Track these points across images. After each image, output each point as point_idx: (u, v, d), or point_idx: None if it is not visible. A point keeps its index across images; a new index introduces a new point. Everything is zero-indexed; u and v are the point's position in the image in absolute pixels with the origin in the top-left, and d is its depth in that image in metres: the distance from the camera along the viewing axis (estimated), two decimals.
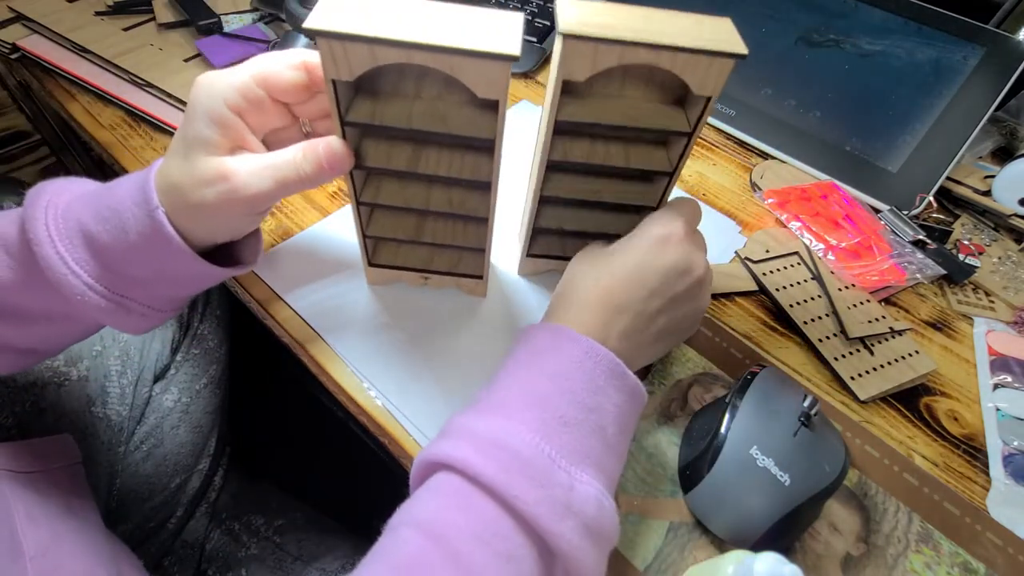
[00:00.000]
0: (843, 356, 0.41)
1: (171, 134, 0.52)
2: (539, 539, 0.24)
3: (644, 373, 0.39)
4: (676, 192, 0.53)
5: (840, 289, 0.46)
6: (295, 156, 0.29)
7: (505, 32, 0.26)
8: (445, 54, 0.25)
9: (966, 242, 0.52)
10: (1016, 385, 0.41)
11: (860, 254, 0.48)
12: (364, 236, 0.37)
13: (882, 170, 0.54)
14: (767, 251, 0.48)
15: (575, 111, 0.31)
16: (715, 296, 0.45)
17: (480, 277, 0.40)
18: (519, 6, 0.70)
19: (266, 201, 0.30)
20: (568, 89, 0.29)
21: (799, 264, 0.47)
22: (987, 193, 0.55)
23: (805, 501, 0.31)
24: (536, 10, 0.69)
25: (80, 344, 0.44)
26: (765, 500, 0.31)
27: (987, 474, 0.37)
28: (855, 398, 0.39)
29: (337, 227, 0.46)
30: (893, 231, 0.50)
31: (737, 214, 0.52)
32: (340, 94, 0.28)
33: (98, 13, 0.60)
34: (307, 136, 0.34)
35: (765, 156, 0.59)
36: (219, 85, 0.28)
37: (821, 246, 0.48)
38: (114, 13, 0.60)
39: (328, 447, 0.82)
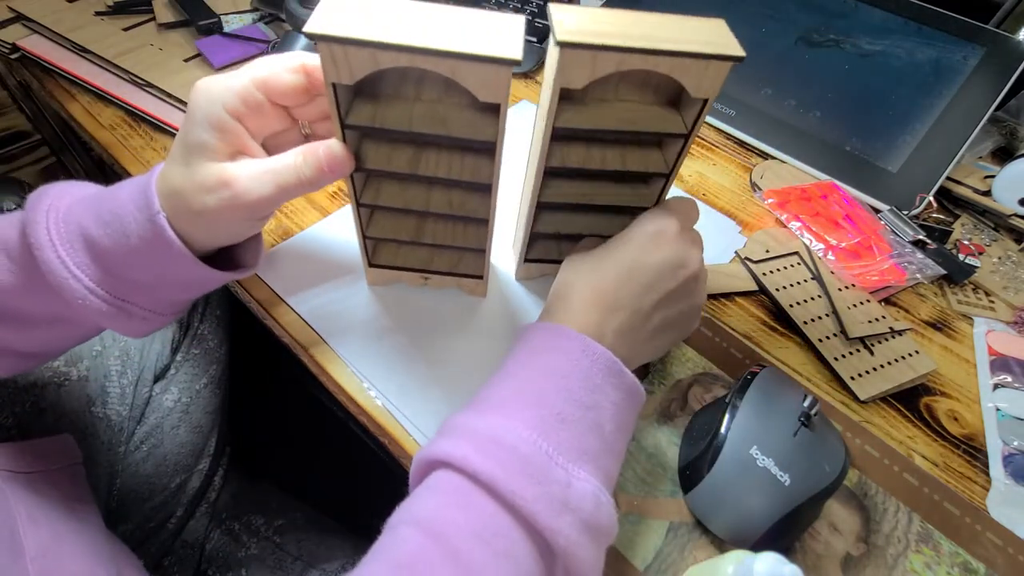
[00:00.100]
0: (843, 356, 0.41)
1: (171, 134, 0.52)
2: (538, 536, 0.24)
3: (644, 373, 0.39)
4: (675, 192, 0.53)
5: (840, 289, 0.46)
6: (295, 160, 0.29)
7: (506, 35, 0.26)
8: (446, 58, 0.25)
9: (966, 242, 0.52)
10: (1016, 385, 0.41)
11: (860, 254, 0.48)
12: (364, 237, 0.37)
13: (882, 170, 0.54)
14: (767, 251, 0.48)
15: (572, 118, 0.31)
16: (715, 296, 0.45)
17: (480, 277, 0.40)
18: (519, 6, 0.70)
19: (268, 206, 0.30)
20: (565, 96, 0.29)
21: (799, 264, 0.47)
22: (987, 193, 0.55)
23: (805, 501, 0.31)
24: (536, 10, 0.69)
25: (80, 344, 0.44)
26: (765, 500, 0.31)
27: (987, 474, 0.37)
28: (855, 398, 0.39)
29: (337, 227, 0.46)
30: (893, 231, 0.50)
31: (737, 214, 0.52)
32: (340, 97, 0.28)
33: (98, 13, 0.60)
34: (307, 138, 0.34)
35: (765, 156, 0.59)
36: (218, 90, 0.28)
37: (821, 246, 0.48)
38: (114, 13, 0.60)
39: (328, 447, 0.82)
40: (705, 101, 0.29)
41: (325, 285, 0.42)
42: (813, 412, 0.33)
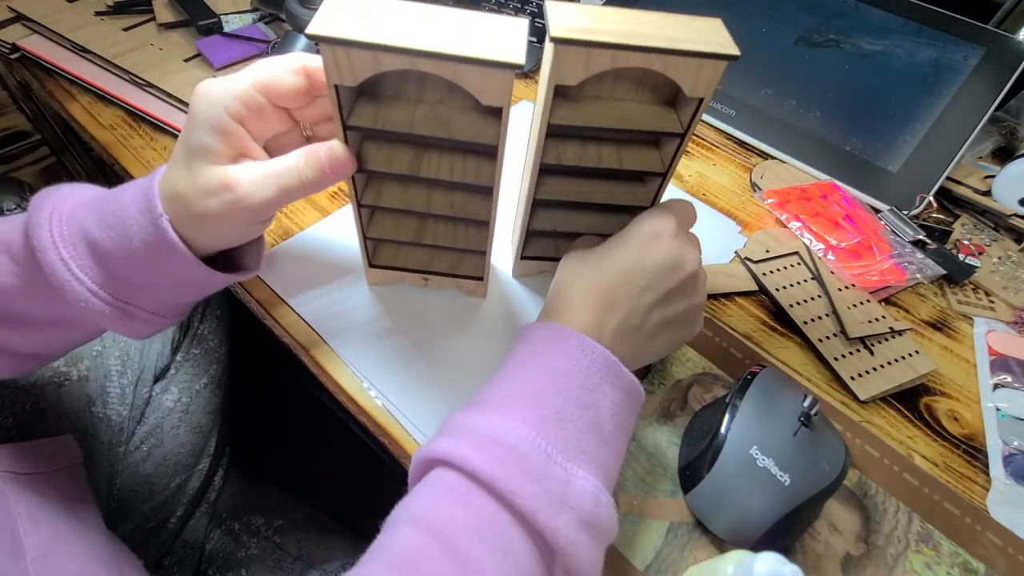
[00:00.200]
0: (843, 356, 0.41)
1: (171, 134, 0.52)
2: (537, 534, 0.24)
3: (644, 373, 0.39)
4: (676, 192, 0.54)
5: (840, 289, 0.46)
6: (297, 162, 0.29)
7: (509, 39, 0.26)
8: (449, 62, 0.25)
9: (966, 242, 0.52)
10: (1016, 385, 0.41)
11: (860, 254, 0.48)
12: (365, 238, 0.37)
13: (882, 170, 0.54)
14: (767, 251, 0.48)
15: (567, 114, 0.31)
16: (715, 296, 0.45)
17: (480, 279, 0.40)
18: (519, 6, 0.70)
19: (270, 209, 0.30)
20: (560, 92, 0.29)
21: (799, 264, 0.47)
22: (987, 193, 0.55)
23: (805, 501, 0.31)
24: (536, 10, 0.69)
25: (82, 346, 0.44)
26: (765, 500, 0.31)
27: (987, 474, 0.37)
28: (855, 398, 0.39)
29: (337, 227, 0.46)
30: (893, 231, 0.50)
31: (737, 214, 0.52)
32: (342, 98, 0.28)
33: (98, 13, 0.60)
34: (308, 140, 0.33)
35: (765, 156, 0.59)
36: (219, 93, 0.28)
37: (821, 246, 0.48)
38: (114, 13, 0.60)
39: (328, 447, 0.82)
40: (701, 100, 0.29)
41: (325, 286, 0.42)
42: (813, 412, 0.33)
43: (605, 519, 0.25)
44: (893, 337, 0.43)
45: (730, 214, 0.52)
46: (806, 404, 0.33)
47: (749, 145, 0.59)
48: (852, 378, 0.40)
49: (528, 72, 0.65)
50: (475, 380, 0.37)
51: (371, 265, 0.40)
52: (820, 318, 0.43)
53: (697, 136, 0.60)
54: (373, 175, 0.34)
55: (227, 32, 0.60)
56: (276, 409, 0.83)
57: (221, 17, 0.59)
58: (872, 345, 0.42)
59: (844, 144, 0.55)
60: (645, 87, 0.32)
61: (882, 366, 0.41)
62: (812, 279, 0.46)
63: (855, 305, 0.44)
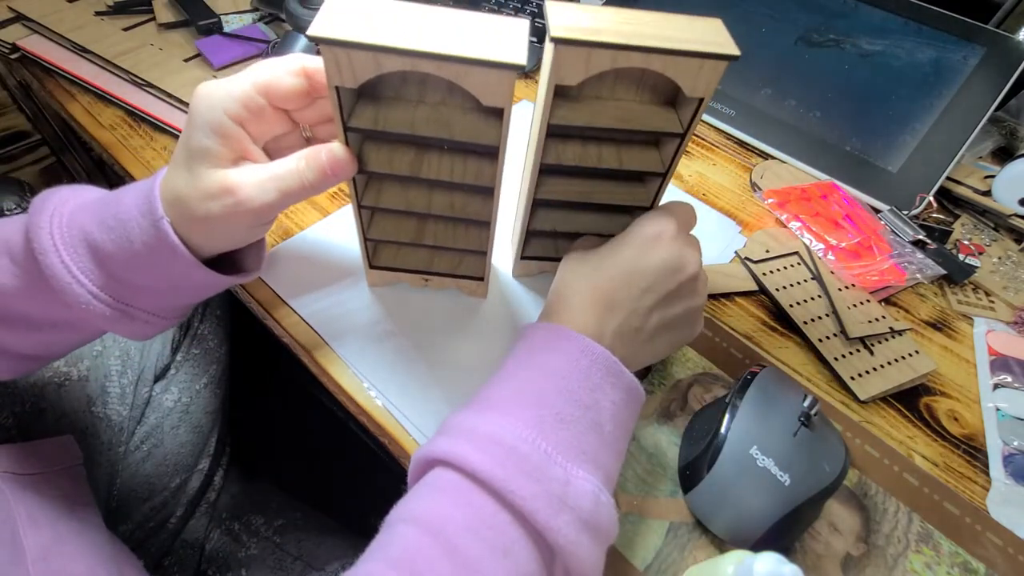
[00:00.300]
0: (843, 356, 0.41)
1: (171, 134, 0.52)
2: (536, 534, 0.24)
3: (644, 373, 0.39)
4: (676, 192, 0.54)
5: (840, 289, 0.46)
6: (298, 165, 0.29)
7: (510, 39, 0.26)
8: (450, 63, 0.25)
9: (966, 242, 0.52)
10: (1016, 385, 0.41)
11: (860, 254, 0.48)
12: (365, 239, 0.37)
13: (882, 170, 0.54)
14: (767, 251, 0.48)
15: (567, 114, 0.31)
16: (715, 296, 0.45)
17: (481, 279, 0.40)
18: (518, 6, 0.70)
19: (271, 212, 0.30)
20: (560, 92, 0.29)
21: (799, 264, 0.47)
22: (987, 193, 0.55)
23: (805, 501, 0.31)
24: (536, 10, 0.69)
25: (82, 347, 0.44)
26: (765, 500, 0.31)
27: (987, 474, 0.37)
28: (855, 398, 0.39)
29: (337, 227, 0.46)
30: (893, 231, 0.50)
31: (737, 214, 0.52)
32: (342, 100, 0.28)
33: (98, 13, 0.60)
34: (308, 141, 0.33)
35: (765, 156, 0.59)
36: (219, 95, 0.28)
37: (821, 246, 0.48)
38: (114, 13, 0.60)
39: (328, 447, 0.82)
40: (701, 100, 0.29)
41: (326, 287, 0.42)
42: (813, 412, 0.33)
43: (605, 519, 0.25)
44: (893, 337, 0.43)
45: (730, 214, 0.52)
46: (806, 404, 0.33)
47: (749, 145, 0.59)
48: (852, 378, 0.40)
49: (528, 72, 0.65)
50: (476, 380, 0.37)
51: (371, 266, 0.40)
52: (820, 318, 0.43)
53: (697, 136, 0.60)
54: (373, 176, 0.34)
55: (227, 32, 0.60)
56: (276, 409, 0.83)
57: (221, 17, 0.59)
58: (872, 345, 0.42)
59: (844, 144, 0.55)
60: (645, 87, 0.32)
61: (882, 366, 0.41)
62: (812, 279, 0.46)
63: (855, 305, 0.44)
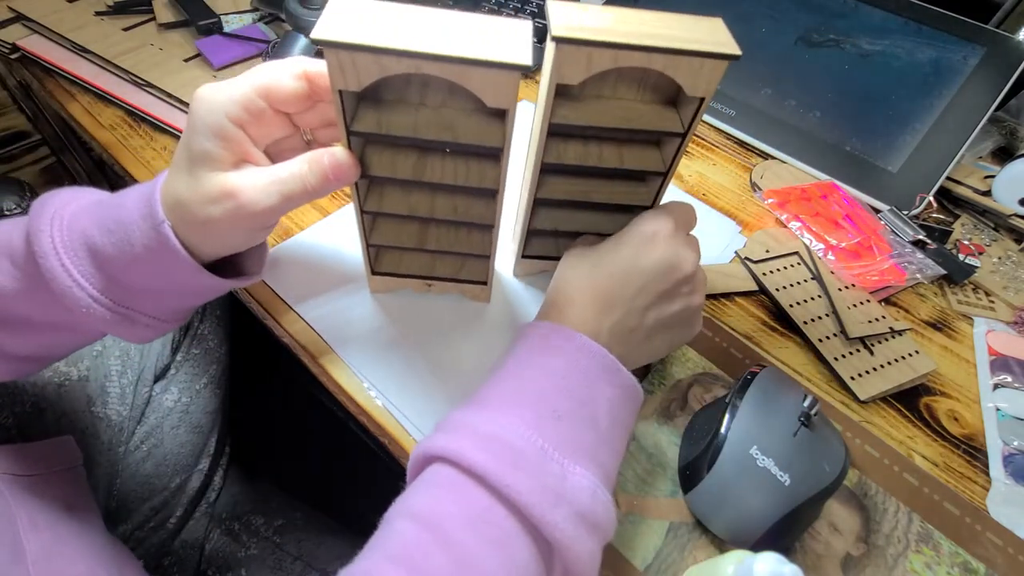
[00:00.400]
0: (843, 356, 0.41)
1: (171, 134, 0.52)
2: (533, 528, 0.24)
3: (644, 373, 0.39)
4: (676, 192, 0.54)
5: (840, 289, 0.46)
6: (300, 169, 0.29)
7: (514, 41, 0.26)
8: (455, 64, 0.25)
9: (966, 242, 0.52)
10: (1016, 385, 0.41)
11: (860, 254, 0.48)
12: (368, 244, 0.37)
13: (882, 170, 0.54)
14: (767, 251, 0.48)
15: (568, 114, 0.31)
16: (715, 296, 0.45)
17: (484, 283, 0.40)
18: (519, 6, 0.70)
19: (273, 216, 0.29)
20: (561, 92, 0.29)
21: (799, 264, 0.47)
22: (987, 193, 0.55)
23: (805, 501, 0.31)
24: (536, 10, 0.69)
25: (82, 349, 0.44)
26: (765, 500, 0.31)
27: (987, 474, 0.37)
28: (855, 398, 0.39)
29: (338, 228, 0.46)
30: (893, 231, 0.50)
31: (737, 214, 0.52)
32: (345, 103, 0.28)
33: (98, 13, 0.60)
34: (308, 144, 0.33)
35: (765, 156, 0.59)
36: (219, 98, 0.28)
37: (821, 246, 0.48)
38: (114, 13, 0.60)
39: (328, 447, 0.82)
40: (702, 100, 0.29)
41: (327, 288, 0.41)
42: (813, 412, 0.33)
43: (602, 514, 0.25)
44: (893, 337, 0.43)
45: (730, 214, 0.52)
46: (806, 404, 0.33)
47: (749, 145, 0.59)
48: (852, 378, 0.40)
49: (527, 73, 0.65)
50: (478, 382, 0.37)
51: (374, 272, 0.40)
52: (820, 318, 0.43)
53: (697, 136, 0.60)
54: (375, 180, 0.34)
55: (227, 32, 0.60)
56: (276, 409, 0.83)
57: (221, 17, 0.59)
58: (872, 345, 0.42)
59: (844, 144, 0.55)
60: (646, 87, 0.32)
61: (882, 366, 0.41)
62: (812, 279, 0.46)
63: (855, 305, 0.44)
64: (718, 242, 0.49)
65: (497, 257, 0.44)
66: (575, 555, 0.24)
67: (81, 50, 0.55)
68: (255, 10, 0.62)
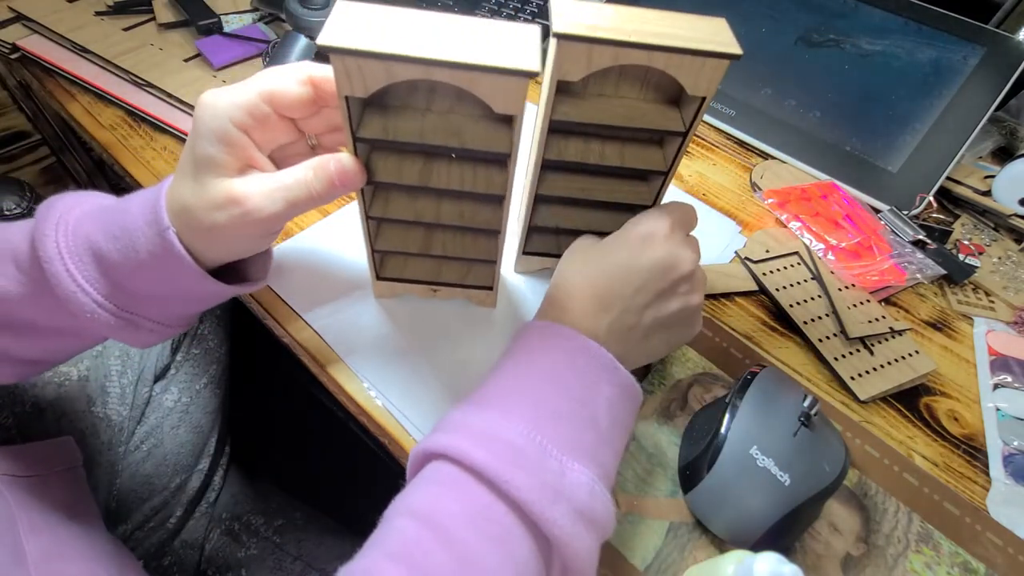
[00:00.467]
0: (843, 356, 0.41)
1: (171, 134, 0.52)
2: (532, 525, 0.24)
3: (644, 373, 0.39)
4: (676, 192, 0.54)
5: (840, 289, 0.46)
6: (306, 175, 0.29)
7: (522, 46, 0.25)
8: (465, 70, 0.25)
9: (966, 242, 0.52)
10: (1016, 385, 0.41)
11: (860, 254, 0.48)
12: (373, 250, 0.37)
13: (882, 170, 0.54)
14: (767, 251, 0.48)
15: (569, 111, 0.31)
16: (715, 296, 0.45)
17: (490, 288, 0.40)
18: (519, 6, 0.70)
19: (279, 222, 0.29)
20: (562, 89, 0.29)
21: (799, 264, 0.47)
22: (987, 193, 0.55)
23: (805, 501, 0.31)
24: (536, 10, 0.69)
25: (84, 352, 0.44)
26: (765, 500, 0.31)
27: (987, 474, 0.37)
28: (855, 398, 0.39)
29: (339, 228, 0.46)
30: (893, 231, 0.50)
31: (737, 214, 0.52)
32: (351, 110, 0.28)
33: (98, 13, 0.60)
34: (313, 150, 0.33)
35: (765, 156, 0.59)
36: (223, 103, 0.28)
37: (821, 246, 0.48)
38: (114, 13, 0.60)
39: (328, 447, 0.82)
40: (703, 99, 0.29)
41: (329, 291, 0.41)
42: (813, 412, 0.33)
43: (601, 511, 0.25)
44: (893, 337, 0.43)
45: (730, 214, 0.52)
46: (806, 404, 0.33)
47: (749, 145, 0.59)
48: (852, 378, 0.40)
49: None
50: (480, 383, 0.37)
51: (379, 278, 0.39)
52: (820, 318, 0.43)
53: (697, 136, 0.60)
54: (380, 186, 0.34)
55: (227, 32, 0.60)
56: (276, 409, 0.83)
57: (221, 17, 0.59)
58: (872, 345, 0.42)
59: (844, 144, 0.55)
60: (648, 85, 0.32)
61: (882, 366, 0.41)
62: (812, 279, 0.46)
63: (855, 305, 0.44)
64: (718, 242, 0.49)
65: (504, 259, 0.44)
66: (573, 551, 0.24)
67: (81, 50, 0.55)
68: (255, 10, 0.62)
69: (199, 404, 0.53)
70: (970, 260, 0.49)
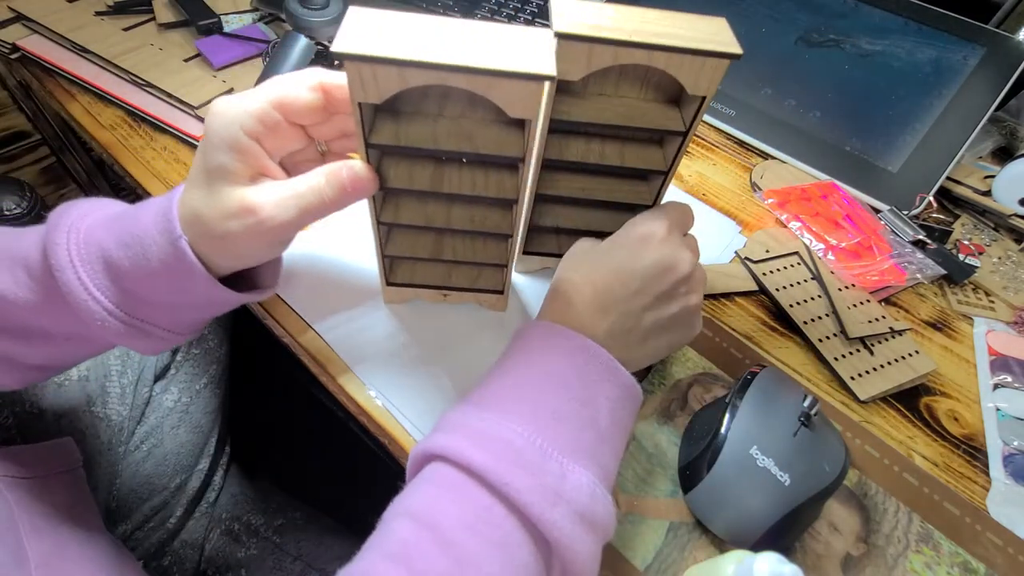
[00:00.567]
0: (843, 356, 0.41)
1: (171, 134, 0.52)
2: (532, 527, 0.24)
3: (644, 373, 0.39)
4: (676, 192, 0.53)
5: (840, 289, 0.46)
6: (318, 182, 0.29)
7: (536, 50, 0.25)
8: (480, 76, 0.25)
9: (966, 242, 0.52)
10: (1016, 385, 0.41)
11: (860, 254, 0.48)
12: (383, 256, 0.36)
13: (882, 170, 0.54)
14: (767, 251, 0.48)
15: (570, 110, 0.31)
16: (715, 296, 0.45)
17: (500, 292, 0.40)
18: (519, 6, 0.70)
19: (291, 230, 0.29)
20: (563, 88, 0.29)
21: (799, 264, 0.47)
22: (987, 193, 0.55)
23: (805, 501, 0.31)
24: (536, 10, 0.69)
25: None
26: (765, 500, 0.31)
27: (987, 474, 0.37)
28: (855, 398, 0.39)
29: (346, 233, 0.45)
30: (893, 231, 0.50)
31: (737, 214, 0.52)
32: (364, 116, 0.27)
33: (98, 13, 0.60)
34: (323, 156, 0.33)
35: (765, 156, 0.59)
36: (235, 112, 0.27)
37: (821, 246, 0.48)
38: (114, 13, 0.60)
39: (328, 447, 0.82)
40: (703, 99, 0.29)
41: (337, 295, 0.41)
42: (813, 412, 0.33)
43: (601, 513, 0.25)
44: (893, 337, 0.43)
45: (730, 214, 0.52)
46: (806, 404, 0.33)
47: (749, 145, 0.59)
48: (852, 378, 0.40)
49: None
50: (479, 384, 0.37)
51: (388, 283, 0.39)
52: (820, 318, 0.43)
53: (697, 136, 0.60)
54: (391, 192, 0.33)
55: (227, 32, 0.60)
56: (276, 409, 0.83)
57: (221, 17, 0.59)
58: (872, 345, 0.42)
59: (844, 144, 0.55)
60: (649, 85, 0.32)
61: (882, 366, 0.41)
62: (812, 279, 0.46)
63: (855, 305, 0.44)
64: (718, 242, 0.49)
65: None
66: (574, 554, 0.24)
67: (81, 50, 0.55)
68: (255, 10, 0.62)
69: (199, 404, 0.53)
70: (970, 260, 0.49)
